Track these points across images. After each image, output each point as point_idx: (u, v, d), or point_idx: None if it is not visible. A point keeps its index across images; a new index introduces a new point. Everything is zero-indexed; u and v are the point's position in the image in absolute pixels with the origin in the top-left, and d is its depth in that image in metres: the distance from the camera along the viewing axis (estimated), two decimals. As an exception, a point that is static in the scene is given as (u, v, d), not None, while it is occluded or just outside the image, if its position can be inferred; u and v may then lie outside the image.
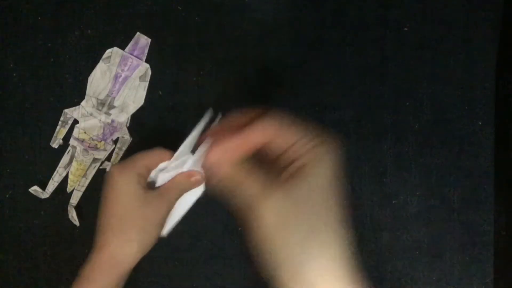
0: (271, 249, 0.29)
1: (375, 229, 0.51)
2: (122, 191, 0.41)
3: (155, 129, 0.52)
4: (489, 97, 0.50)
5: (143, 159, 0.43)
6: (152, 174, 0.44)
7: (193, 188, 0.44)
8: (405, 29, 0.51)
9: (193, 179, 0.44)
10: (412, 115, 0.51)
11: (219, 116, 0.43)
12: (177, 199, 0.43)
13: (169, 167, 0.44)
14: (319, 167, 0.30)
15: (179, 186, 0.43)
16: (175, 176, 0.44)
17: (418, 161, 0.50)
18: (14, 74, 0.53)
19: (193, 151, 0.44)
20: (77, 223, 0.52)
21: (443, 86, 0.51)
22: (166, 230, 0.45)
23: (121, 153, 0.52)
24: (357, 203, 0.51)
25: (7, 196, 0.53)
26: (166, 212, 0.42)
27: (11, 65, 0.53)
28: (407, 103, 0.51)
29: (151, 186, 0.44)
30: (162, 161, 0.44)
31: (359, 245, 0.51)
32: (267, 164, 0.31)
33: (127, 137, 0.52)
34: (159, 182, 0.44)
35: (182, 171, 0.44)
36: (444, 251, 0.50)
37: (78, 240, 0.52)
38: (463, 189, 0.50)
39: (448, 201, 0.50)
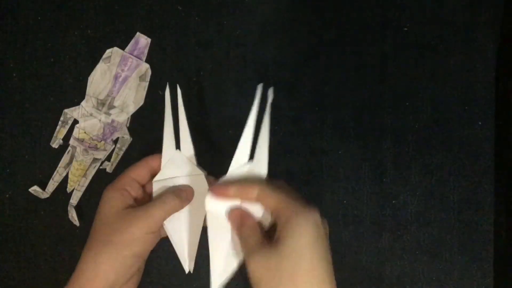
0: None
1: (375, 229, 0.51)
2: (102, 210, 0.40)
3: (155, 129, 0.52)
4: (489, 97, 0.50)
5: (128, 173, 0.42)
6: (153, 184, 0.43)
7: (183, 206, 0.41)
8: (405, 29, 0.51)
9: (180, 200, 0.41)
10: (412, 115, 0.51)
11: (271, 93, 0.41)
12: (164, 217, 0.40)
13: (162, 170, 0.43)
14: (290, 234, 0.34)
15: (164, 206, 0.40)
16: (163, 194, 0.41)
17: (418, 161, 0.50)
18: (14, 74, 0.53)
19: (251, 155, 0.41)
20: (77, 223, 0.52)
21: (443, 86, 0.51)
22: (188, 262, 0.42)
23: (121, 153, 0.52)
24: (357, 203, 0.51)
25: (7, 196, 0.53)
26: (147, 230, 0.39)
27: (11, 65, 0.53)
28: (407, 103, 0.51)
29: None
30: (151, 169, 0.43)
31: (359, 245, 0.51)
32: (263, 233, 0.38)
33: (127, 137, 0.52)
34: (154, 193, 0.42)
35: (178, 175, 0.42)
36: (444, 251, 0.50)
37: (78, 240, 0.52)
38: (463, 189, 0.50)
39: (448, 201, 0.50)
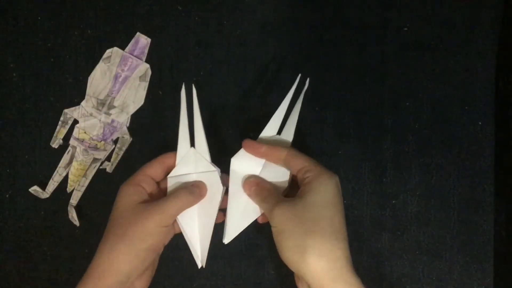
0: (278, 250, 0.38)
1: (375, 229, 0.51)
2: (118, 205, 0.41)
3: (155, 129, 0.52)
4: (489, 97, 0.50)
5: (143, 170, 0.43)
6: (168, 180, 0.44)
7: (196, 202, 0.43)
8: (405, 29, 0.51)
9: (194, 196, 0.42)
10: (412, 115, 0.51)
11: (307, 83, 0.45)
12: (178, 212, 0.41)
13: (177, 166, 0.44)
14: (315, 188, 0.39)
15: (177, 201, 0.41)
16: (177, 190, 0.43)
17: (418, 161, 0.50)
18: (14, 74, 0.53)
19: (279, 132, 0.45)
20: (77, 223, 0.52)
21: (443, 86, 0.51)
22: (200, 257, 0.43)
23: (121, 153, 0.52)
24: (357, 203, 0.51)
25: (7, 196, 0.53)
26: (160, 223, 0.40)
27: (11, 65, 0.53)
28: (407, 103, 0.51)
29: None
30: (165, 166, 0.44)
31: (359, 245, 0.51)
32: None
33: (127, 137, 0.52)
34: (168, 188, 0.44)
35: (192, 171, 0.44)
36: (444, 251, 0.50)
37: (78, 240, 0.52)
38: (463, 189, 0.50)
39: (448, 201, 0.50)
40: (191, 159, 0.44)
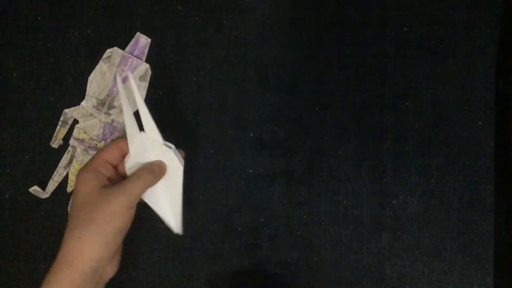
0: None
1: (375, 229, 0.51)
2: (79, 192, 0.41)
3: (155, 129, 0.52)
4: (489, 97, 0.50)
5: (100, 155, 0.43)
6: (125, 165, 0.44)
7: (157, 180, 0.43)
8: (405, 29, 0.51)
9: (154, 175, 0.43)
10: (412, 115, 0.51)
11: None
12: (141, 191, 0.42)
13: (131, 154, 0.44)
14: None
15: (140, 182, 0.42)
16: (138, 170, 0.43)
17: (418, 161, 0.50)
18: (14, 74, 0.53)
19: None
20: (77, 223, 0.52)
21: (443, 86, 0.51)
22: (175, 225, 0.44)
23: (121, 153, 0.52)
24: (357, 203, 0.51)
25: (7, 196, 0.53)
26: (126, 205, 0.40)
27: (11, 65, 0.53)
28: (407, 103, 0.51)
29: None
30: (121, 151, 0.44)
31: (359, 245, 0.51)
32: None
33: (127, 137, 0.52)
34: (127, 172, 0.44)
35: (148, 155, 0.44)
36: (444, 251, 0.50)
37: (78, 240, 0.52)
38: (463, 189, 0.50)
39: (448, 201, 0.50)
40: (143, 143, 0.44)
